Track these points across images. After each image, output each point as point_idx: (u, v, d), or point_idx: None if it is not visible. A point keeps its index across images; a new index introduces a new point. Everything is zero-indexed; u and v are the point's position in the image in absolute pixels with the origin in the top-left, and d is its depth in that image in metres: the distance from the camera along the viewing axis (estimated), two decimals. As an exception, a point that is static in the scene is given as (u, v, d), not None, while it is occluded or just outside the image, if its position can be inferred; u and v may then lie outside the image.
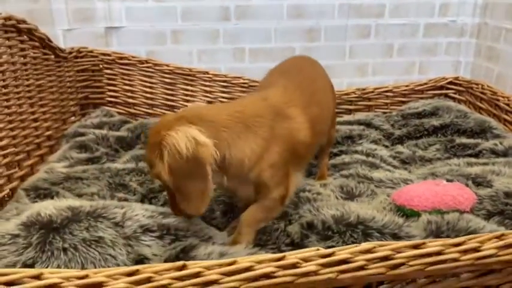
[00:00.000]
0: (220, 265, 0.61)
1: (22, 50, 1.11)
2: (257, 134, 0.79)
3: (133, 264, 0.71)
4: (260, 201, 0.84)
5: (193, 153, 0.70)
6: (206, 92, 1.61)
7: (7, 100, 1.03)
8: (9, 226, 0.74)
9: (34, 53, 1.17)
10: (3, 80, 1.02)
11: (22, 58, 1.11)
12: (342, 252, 0.63)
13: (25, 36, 1.12)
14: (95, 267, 0.68)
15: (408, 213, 0.90)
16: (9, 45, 1.04)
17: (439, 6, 1.78)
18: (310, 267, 0.62)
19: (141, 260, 0.72)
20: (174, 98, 1.61)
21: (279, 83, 0.95)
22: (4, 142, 1.00)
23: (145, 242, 0.75)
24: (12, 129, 1.04)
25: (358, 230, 0.81)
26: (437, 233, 0.81)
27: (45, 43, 1.23)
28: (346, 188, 1.06)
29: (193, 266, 0.60)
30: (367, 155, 1.31)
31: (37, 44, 1.19)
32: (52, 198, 0.92)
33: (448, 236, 0.79)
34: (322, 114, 1.01)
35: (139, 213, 0.81)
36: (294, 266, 0.62)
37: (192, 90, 1.60)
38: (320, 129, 0.99)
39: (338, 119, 1.57)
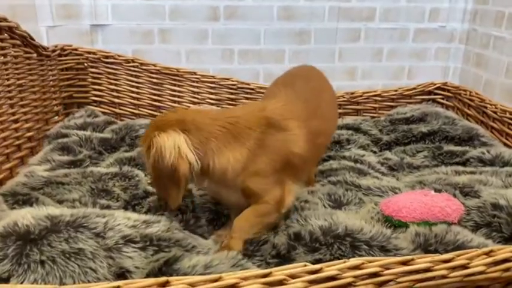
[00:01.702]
0: (205, 281, 0.59)
1: (2, 48, 1.07)
2: (243, 145, 0.83)
3: (115, 278, 0.69)
4: (253, 206, 0.86)
5: (172, 163, 0.77)
6: (194, 93, 1.58)
7: (-14, 101, 0.99)
8: (-16, 236, 0.70)
9: (15, 51, 1.13)
10: (-18, 80, 0.98)
11: (2, 57, 1.07)
12: (330, 268, 0.62)
13: (5, 35, 1.08)
14: (74, 282, 0.65)
15: (396, 224, 0.89)
16: (-12, 43, 1.01)
17: (429, 11, 1.77)
18: (297, 284, 0.60)
19: (122, 273, 0.69)
20: (161, 99, 1.58)
21: (282, 94, 0.97)
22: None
23: (127, 254, 0.72)
24: (-10, 132, 1.00)
25: (346, 242, 0.79)
26: (425, 246, 0.80)
27: (27, 41, 1.19)
28: (334, 195, 1.05)
29: (177, 283, 0.58)
30: (355, 161, 1.30)
31: (18, 42, 1.15)
32: (31, 204, 0.89)
33: (436, 249, 0.79)
34: (325, 127, 1.01)
35: (122, 222, 0.79)
36: (280, 282, 0.60)
37: (179, 91, 1.58)
38: (321, 142, 0.99)
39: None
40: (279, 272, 0.61)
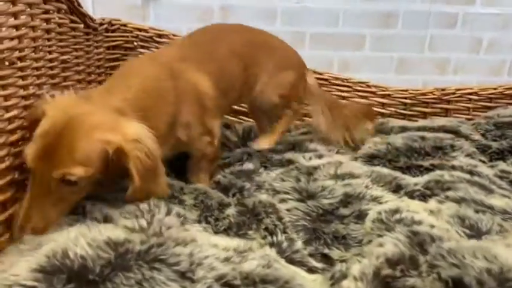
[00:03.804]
0: None
1: (45, 12, 0.85)
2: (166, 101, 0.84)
3: None
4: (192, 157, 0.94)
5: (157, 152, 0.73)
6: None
7: (23, 78, 0.77)
8: (19, 270, 0.47)
9: (60, 18, 0.91)
10: (20, 50, 0.75)
11: (45, 23, 0.85)
12: None
13: (50, -5, 0.86)
14: None
15: None
16: (29, 2, 0.78)
17: (543, -7, 1.50)
18: None
19: None
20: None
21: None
22: (17, 136, 0.74)
23: (226, 306, 0.49)
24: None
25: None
26: None
27: (74, 7, 0.97)
28: (467, 220, 0.79)
29: None
30: (470, 172, 1.04)
31: (64, 6, 0.93)
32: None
33: None
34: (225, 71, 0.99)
35: (210, 253, 0.55)
36: None
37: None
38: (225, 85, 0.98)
39: (413, 124, 1.32)
40: None
